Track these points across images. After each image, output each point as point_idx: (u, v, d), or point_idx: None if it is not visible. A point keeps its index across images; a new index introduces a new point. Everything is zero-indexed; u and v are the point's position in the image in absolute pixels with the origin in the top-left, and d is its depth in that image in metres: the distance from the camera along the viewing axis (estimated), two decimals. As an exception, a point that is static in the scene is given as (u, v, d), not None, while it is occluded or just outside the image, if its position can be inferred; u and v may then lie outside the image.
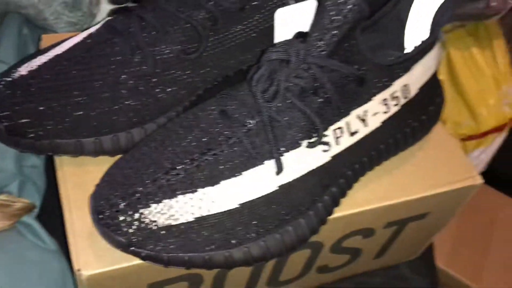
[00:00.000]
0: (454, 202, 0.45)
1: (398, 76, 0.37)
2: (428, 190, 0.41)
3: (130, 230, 0.31)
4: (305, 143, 0.34)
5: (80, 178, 0.37)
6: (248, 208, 0.33)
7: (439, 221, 0.48)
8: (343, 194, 0.37)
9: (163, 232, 0.31)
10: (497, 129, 0.66)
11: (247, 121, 0.34)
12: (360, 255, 0.47)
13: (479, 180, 0.43)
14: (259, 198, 0.33)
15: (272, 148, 0.33)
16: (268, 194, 0.34)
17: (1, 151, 0.42)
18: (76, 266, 0.33)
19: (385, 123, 0.38)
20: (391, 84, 0.37)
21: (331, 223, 0.38)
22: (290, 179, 0.34)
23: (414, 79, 0.39)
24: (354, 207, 0.39)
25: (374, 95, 0.36)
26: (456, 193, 0.43)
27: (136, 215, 0.31)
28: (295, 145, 0.34)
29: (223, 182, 0.33)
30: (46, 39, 0.44)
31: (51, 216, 0.45)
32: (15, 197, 0.40)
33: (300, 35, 0.34)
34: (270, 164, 0.33)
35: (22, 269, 0.37)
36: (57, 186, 0.37)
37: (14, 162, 0.43)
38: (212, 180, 0.33)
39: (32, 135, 0.35)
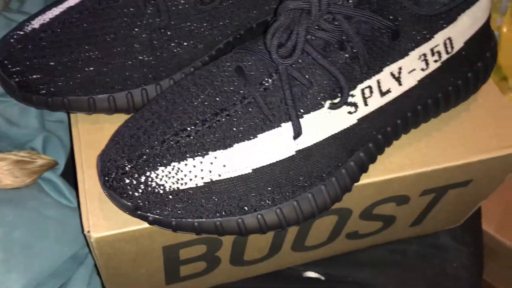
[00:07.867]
0: (502, 170, 0.40)
1: (441, 28, 0.33)
2: (471, 156, 0.37)
3: (136, 194, 0.30)
4: (327, 104, 0.31)
5: (94, 136, 0.36)
6: (262, 173, 0.31)
7: (484, 189, 0.43)
8: (372, 159, 0.34)
9: (170, 196, 0.30)
10: None
11: (264, 79, 0.31)
12: (394, 222, 0.44)
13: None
14: (274, 163, 0.31)
15: (289, 109, 0.30)
16: (284, 159, 0.31)
17: (23, 106, 0.42)
18: (85, 227, 0.32)
19: (422, 81, 0.34)
20: (432, 37, 0.33)
21: (359, 189, 0.35)
22: (310, 144, 0.31)
23: (459, 32, 0.34)
24: (386, 173, 0.36)
25: (411, 49, 0.32)
26: (504, 160, 0.38)
27: (143, 178, 0.30)
28: (316, 106, 0.31)
29: (236, 146, 0.31)
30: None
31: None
32: (36, 153, 0.40)
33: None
34: (287, 127, 0.31)
35: (41, 226, 0.37)
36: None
37: (37, 117, 0.42)
38: (224, 143, 0.31)
39: (43, 91, 0.34)
